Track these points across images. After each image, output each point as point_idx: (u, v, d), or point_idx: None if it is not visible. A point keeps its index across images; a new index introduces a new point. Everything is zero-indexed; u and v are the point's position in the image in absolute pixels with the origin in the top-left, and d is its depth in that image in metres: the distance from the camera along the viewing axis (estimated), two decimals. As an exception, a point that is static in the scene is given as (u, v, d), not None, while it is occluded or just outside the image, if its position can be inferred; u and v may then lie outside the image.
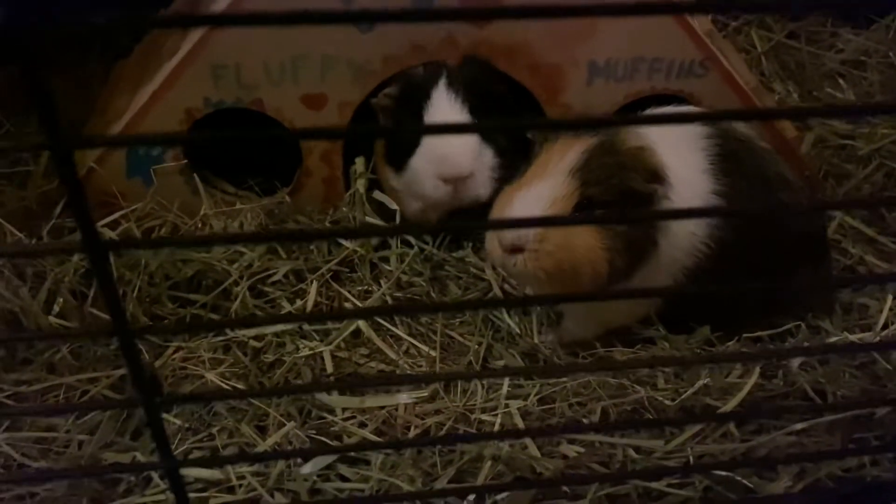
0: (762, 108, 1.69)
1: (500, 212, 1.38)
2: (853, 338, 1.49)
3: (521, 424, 1.32)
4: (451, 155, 1.56)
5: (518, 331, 1.55)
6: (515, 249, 1.32)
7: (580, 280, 1.31)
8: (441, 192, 1.59)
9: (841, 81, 2.32)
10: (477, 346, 1.50)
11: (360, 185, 1.68)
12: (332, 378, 1.42)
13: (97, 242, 0.56)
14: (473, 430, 1.33)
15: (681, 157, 1.41)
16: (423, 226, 1.72)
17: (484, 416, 1.37)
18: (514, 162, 1.54)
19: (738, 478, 1.10)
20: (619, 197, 1.32)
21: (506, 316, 1.56)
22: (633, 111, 1.71)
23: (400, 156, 1.63)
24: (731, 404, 1.21)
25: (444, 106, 1.59)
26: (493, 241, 1.36)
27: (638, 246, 1.35)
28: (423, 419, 1.38)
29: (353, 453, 1.31)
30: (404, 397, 1.40)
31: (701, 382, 1.30)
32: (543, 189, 1.33)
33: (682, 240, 1.40)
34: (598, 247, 1.31)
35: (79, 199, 0.54)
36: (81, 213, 0.55)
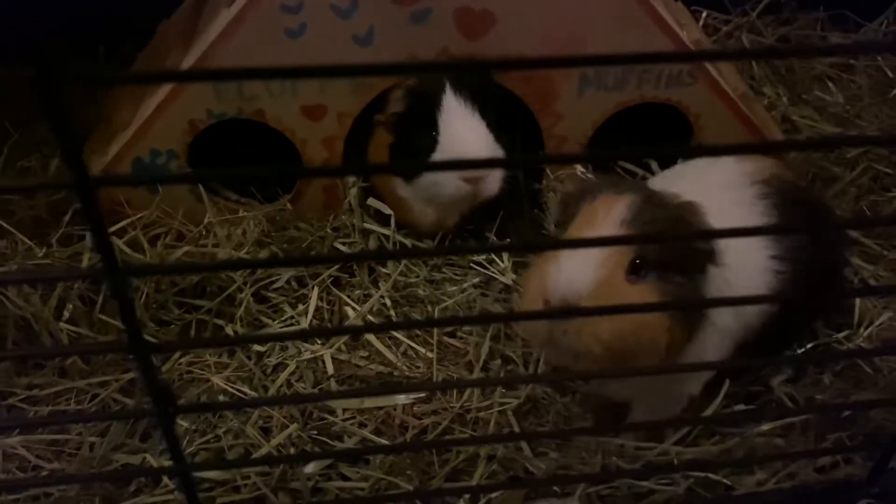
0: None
1: (542, 272, 1.18)
2: (840, 336, 1.56)
3: (515, 424, 1.38)
4: (472, 154, 1.60)
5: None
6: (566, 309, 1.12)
7: (635, 357, 1.13)
8: (463, 191, 1.64)
9: (830, 85, 2.36)
10: (474, 349, 1.56)
11: (353, 194, 1.74)
12: (332, 381, 1.48)
13: (118, 269, 0.62)
14: (469, 430, 1.39)
15: (713, 197, 1.29)
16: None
17: (480, 415, 1.43)
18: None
19: (718, 477, 1.16)
20: (679, 258, 1.18)
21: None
22: (623, 120, 1.77)
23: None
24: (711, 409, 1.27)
25: (457, 112, 1.63)
26: (533, 303, 1.18)
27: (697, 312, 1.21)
28: (420, 419, 1.44)
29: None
30: (402, 398, 1.46)
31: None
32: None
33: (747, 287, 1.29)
34: (658, 315, 1.14)
35: (101, 232, 0.59)
36: (104, 244, 0.60)
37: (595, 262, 1.14)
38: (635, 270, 1.16)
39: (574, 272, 1.13)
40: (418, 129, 1.66)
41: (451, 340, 1.59)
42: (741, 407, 1.37)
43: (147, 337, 1.53)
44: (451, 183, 1.64)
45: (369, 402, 1.45)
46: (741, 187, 1.41)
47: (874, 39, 2.44)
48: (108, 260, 0.61)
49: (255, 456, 1.35)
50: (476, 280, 1.72)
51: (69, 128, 0.53)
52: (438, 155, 1.63)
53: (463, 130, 1.63)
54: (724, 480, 1.16)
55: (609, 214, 1.18)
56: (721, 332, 1.27)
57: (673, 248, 1.17)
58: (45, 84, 0.51)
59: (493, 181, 1.66)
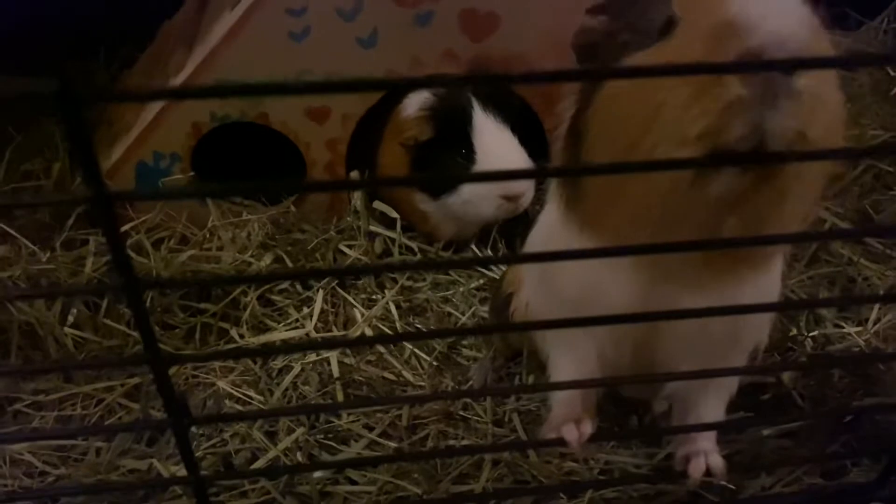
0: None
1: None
2: (851, 330, 1.56)
3: (520, 430, 1.39)
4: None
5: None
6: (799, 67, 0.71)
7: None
8: (502, 210, 1.64)
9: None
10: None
11: (358, 197, 1.74)
12: (338, 384, 1.47)
13: (136, 282, 0.62)
14: (473, 436, 1.39)
15: None
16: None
17: (486, 419, 1.43)
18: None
19: (723, 482, 1.16)
20: None
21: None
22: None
23: (444, 181, 1.65)
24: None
25: (491, 129, 1.63)
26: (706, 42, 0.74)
27: None
28: (425, 420, 1.44)
29: (360, 454, 1.37)
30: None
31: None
32: None
33: None
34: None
35: (119, 247, 0.59)
36: (121, 259, 0.60)
37: None
38: None
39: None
40: (451, 150, 1.64)
41: (454, 355, 1.58)
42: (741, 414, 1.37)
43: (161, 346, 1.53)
44: (490, 202, 1.63)
45: (376, 406, 1.45)
46: None
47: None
48: (127, 275, 0.61)
49: (262, 459, 1.35)
50: (480, 282, 1.72)
51: (90, 145, 0.53)
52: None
53: (500, 148, 1.62)
54: (730, 486, 1.16)
55: None
56: None
57: None
58: (68, 102, 0.51)
59: (529, 196, 1.66)
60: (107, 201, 0.56)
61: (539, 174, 1.65)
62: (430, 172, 1.66)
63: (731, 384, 1.09)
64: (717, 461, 0.98)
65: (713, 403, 1.06)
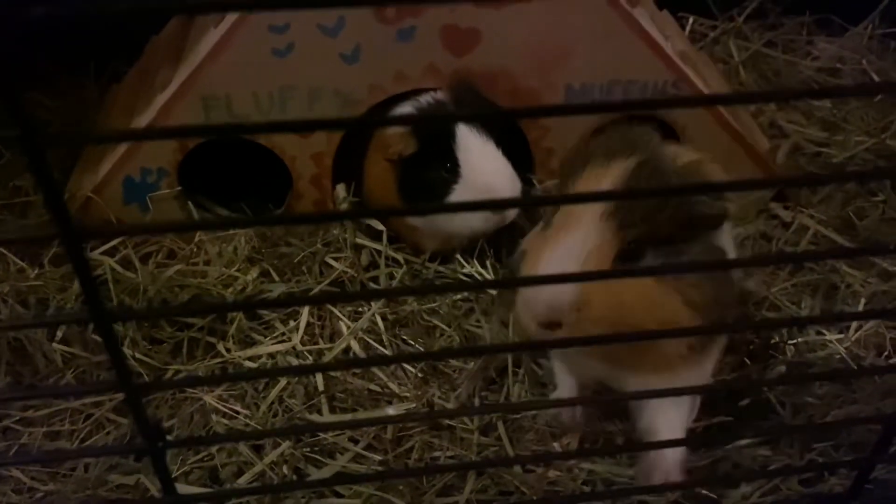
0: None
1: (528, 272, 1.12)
2: (832, 337, 1.58)
3: (505, 439, 1.40)
4: (501, 188, 1.60)
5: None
6: (551, 325, 1.06)
7: (659, 355, 1.08)
8: (490, 223, 1.65)
9: (816, 88, 2.38)
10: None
11: (344, 209, 1.75)
12: (323, 397, 1.49)
13: (104, 314, 0.63)
14: (458, 446, 1.41)
15: None
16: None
17: (469, 431, 1.45)
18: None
19: (705, 491, 1.18)
20: (683, 229, 1.08)
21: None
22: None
23: (429, 197, 1.65)
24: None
25: (476, 143, 1.62)
26: (525, 313, 1.09)
27: (727, 288, 1.15)
28: (410, 433, 1.46)
29: (345, 467, 1.39)
30: (392, 411, 1.48)
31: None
32: (574, 240, 1.06)
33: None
34: (671, 300, 1.05)
35: (88, 281, 0.60)
36: (91, 292, 0.61)
37: (575, 260, 1.04)
38: (631, 257, 1.06)
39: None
40: (436, 165, 1.64)
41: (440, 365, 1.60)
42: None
43: (139, 355, 1.54)
44: (478, 215, 1.63)
45: (361, 416, 1.47)
46: None
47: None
48: (95, 308, 0.62)
49: (248, 473, 1.37)
50: (465, 294, 1.73)
51: (55, 185, 0.54)
52: (462, 188, 1.62)
53: (485, 162, 1.62)
54: (710, 494, 1.18)
55: (587, 209, 1.06)
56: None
57: (672, 219, 1.06)
58: (30, 145, 0.52)
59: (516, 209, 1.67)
60: (74, 238, 0.58)
61: (526, 203, 1.67)
62: (417, 204, 1.67)
63: (690, 401, 1.19)
64: (675, 475, 1.01)
65: (671, 419, 1.16)
